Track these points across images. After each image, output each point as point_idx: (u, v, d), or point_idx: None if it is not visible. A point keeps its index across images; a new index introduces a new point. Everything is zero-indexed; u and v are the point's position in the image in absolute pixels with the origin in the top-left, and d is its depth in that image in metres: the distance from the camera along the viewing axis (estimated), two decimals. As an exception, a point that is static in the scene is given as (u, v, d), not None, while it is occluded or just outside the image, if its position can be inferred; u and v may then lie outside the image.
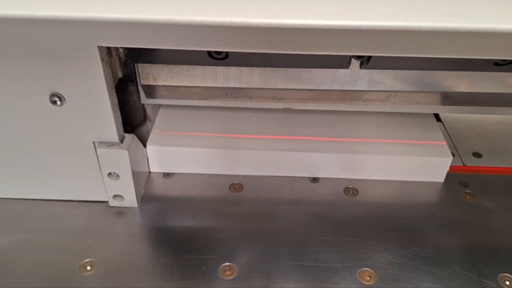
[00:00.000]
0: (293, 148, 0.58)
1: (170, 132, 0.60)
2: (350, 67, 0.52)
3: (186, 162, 0.59)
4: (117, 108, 0.49)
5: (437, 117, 0.70)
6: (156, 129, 0.60)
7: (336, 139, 0.60)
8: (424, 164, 0.58)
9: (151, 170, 0.60)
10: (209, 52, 0.50)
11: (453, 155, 0.59)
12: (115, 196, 0.55)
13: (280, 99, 0.57)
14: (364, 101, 0.57)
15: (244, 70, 0.53)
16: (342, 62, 0.51)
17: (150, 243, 0.51)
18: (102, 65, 0.43)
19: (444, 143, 0.60)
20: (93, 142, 0.50)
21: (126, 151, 0.51)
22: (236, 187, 0.58)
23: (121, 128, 0.51)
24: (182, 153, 0.58)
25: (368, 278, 0.48)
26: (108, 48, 0.46)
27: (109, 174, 0.53)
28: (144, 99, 0.57)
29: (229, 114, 0.64)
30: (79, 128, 0.49)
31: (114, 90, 0.48)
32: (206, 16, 0.36)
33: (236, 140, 0.59)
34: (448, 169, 0.58)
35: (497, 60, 0.51)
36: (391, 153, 0.58)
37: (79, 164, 0.52)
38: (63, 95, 0.46)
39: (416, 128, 0.62)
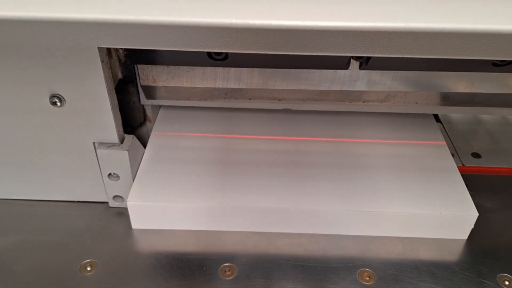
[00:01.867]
0: (294, 204, 0.51)
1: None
2: (350, 68, 0.52)
3: (174, 219, 0.52)
4: (117, 109, 0.49)
5: (436, 117, 0.70)
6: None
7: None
8: (446, 221, 0.51)
9: (133, 226, 0.53)
10: (208, 53, 0.50)
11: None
12: (115, 197, 0.55)
13: (279, 100, 0.57)
14: (363, 102, 0.57)
15: (244, 71, 0.53)
16: (342, 63, 0.51)
17: (150, 244, 0.51)
18: (102, 66, 0.43)
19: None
20: (93, 143, 0.50)
21: (126, 152, 0.51)
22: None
23: (121, 129, 0.51)
24: (169, 210, 0.52)
25: (367, 278, 0.48)
26: (108, 49, 0.46)
27: (109, 175, 0.53)
28: (144, 100, 0.57)
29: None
30: (79, 129, 0.49)
31: (114, 91, 0.48)
32: (205, 17, 0.36)
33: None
34: (472, 227, 0.52)
35: (496, 60, 0.51)
36: (407, 209, 0.51)
37: (79, 165, 0.52)
38: (63, 96, 0.46)
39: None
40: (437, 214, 0.50)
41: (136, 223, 0.53)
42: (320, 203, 0.51)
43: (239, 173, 0.55)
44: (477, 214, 0.50)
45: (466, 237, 0.52)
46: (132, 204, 0.51)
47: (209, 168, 0.55)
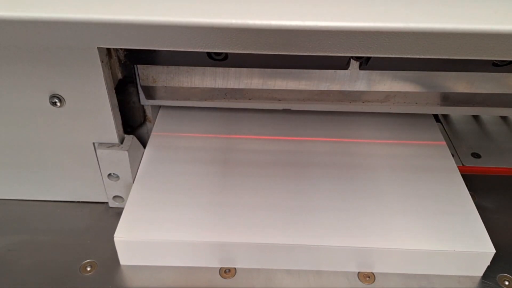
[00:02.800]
0: (294, 240, 0.47)
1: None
2: (349, 68, 0.52)
3: (166, 255, 0.48)
4: (117, 109, 0.49)
5: (436, 117, 0.70)
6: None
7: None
8: (460, 259, 0.47)
9: (121, 262, 0.49)
10: (208, 53, 0.50)
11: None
12: (115, 197, 0.55)
13: (279, 100, 0.57)
14: (363, 102, 0.57)
15: (244, 71, 0.53)
16: (342, 63, 0.51)
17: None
18: (102, 66, 0.43)
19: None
20: (93, 143, 0.50)
21: (126, 152, 0.51)
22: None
23: (121, 129, 0.51)
24: (160, 246, 0.47)
25: (368, 278, 0.48)
26: (108, 50, 0.46)
27: (109, 175, 0.53)
28: (143, 100, 0.57)
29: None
30: (79, 129, 0.49)
31: (114, 91, 0.48)
32: (205, 17, 0.36)
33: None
34: (488, 264, 0.47)
35: (495, 60, 0.51)
36: (417, 246, 0.46)
37: (79, 165, 0.52)
38: (63, 96, 0.46)
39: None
40: (451, 251, 0.46)
41: (124, 259, 0.49)
42: (325, 238, 0.47)
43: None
44: (494, 251, 0.46)
45: (481, 274, 0.48)
46: (120, 240, 0.47)
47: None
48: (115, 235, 0.47)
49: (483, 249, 0.46)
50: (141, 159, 0.56)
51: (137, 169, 0.54)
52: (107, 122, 0.48)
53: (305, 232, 0.47)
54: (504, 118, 0.73)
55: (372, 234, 0.47)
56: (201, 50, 0.40)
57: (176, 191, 0.52)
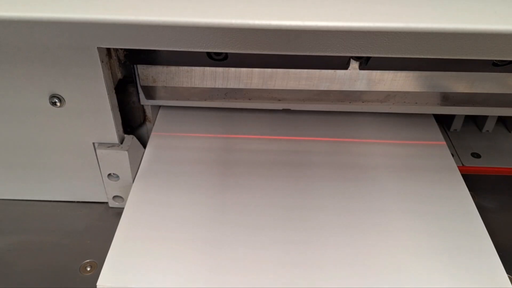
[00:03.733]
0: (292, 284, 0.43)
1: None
2: (349, 68, 0.52)
3: None
4: (117, 109, 0.49)
5: (436, 117, 0.70)
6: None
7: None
8: None
9: None
10: (208, 53, 0.50)
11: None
12: (115, 197, 0.55)
13: (279, 100, 0.57)
14: (363, 102, 0.57)
15: (244, 71, 0.53)
16: (341, 63, 0.51)
17: (150, 244, 0.51)
18: (102, 66, 0.43)
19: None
20: (93, 143, 0.50)
21: (126, 152, 0.51)
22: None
23: (121, 129, 0.51)
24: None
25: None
26: (108, 50, 0.46)
27: (109, 175, 0.53)
28: (143, 100, 0.57)
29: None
30: (78, 129, 0.49)
31: (114, 91, 0.48)
32: (205, 17, 0.36)
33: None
34: None
35: (495, 60, 0.51)
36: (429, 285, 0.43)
37: (79, 165, 0.52)
38: (63, 96, 0.46)
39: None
40: None
41: None
42: (330, 280, 0.43)
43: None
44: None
45: None
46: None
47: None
48: (98, 283, 0.41)
49: (499, 284, 0.43)
50: (141, 159, 0.56)
51: (137, 169, 0.54)
52: (107, 122, 0.48)
53: (305, 273, 0.44)
54: (504, 118, 0.72)
55: (379, 267, 0.44)
56: (201, 50, 0.40)
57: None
